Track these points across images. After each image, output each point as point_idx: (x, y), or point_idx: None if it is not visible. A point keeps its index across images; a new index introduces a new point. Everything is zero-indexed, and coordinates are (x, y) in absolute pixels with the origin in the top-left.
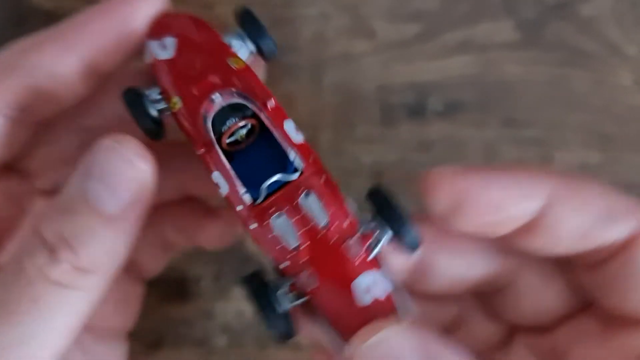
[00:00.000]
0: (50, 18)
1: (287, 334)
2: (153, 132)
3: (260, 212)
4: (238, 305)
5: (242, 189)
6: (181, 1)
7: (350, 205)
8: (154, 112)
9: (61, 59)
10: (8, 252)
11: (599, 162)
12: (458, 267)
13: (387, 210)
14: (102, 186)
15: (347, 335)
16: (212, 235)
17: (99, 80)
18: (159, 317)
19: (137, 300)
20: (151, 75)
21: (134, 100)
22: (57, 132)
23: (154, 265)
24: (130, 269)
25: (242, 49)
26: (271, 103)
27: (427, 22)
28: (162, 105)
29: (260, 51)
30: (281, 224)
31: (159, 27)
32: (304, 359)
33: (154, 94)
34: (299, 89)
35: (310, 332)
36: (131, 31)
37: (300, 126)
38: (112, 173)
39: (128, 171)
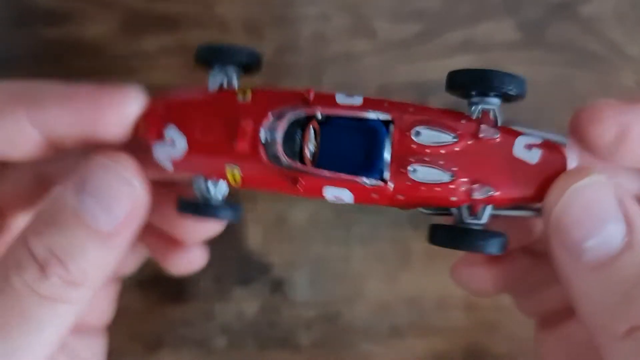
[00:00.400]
0: (51, 17)
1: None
2: (227, 217)
3: (399, 183)
4: (238, 306)
5: (363, 179)
6: (180, 2)
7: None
8: (220, 197)
9: (24, 131)
10: None
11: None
12: None
13: (478, 81)
14: (97, 204)
15: (536, 198)
16: (177, 264)
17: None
18: (159, 318)
19: (115, 297)
20: (183, 171)
21: (190, 206)
22: (12, 171)
23: (132, 266)
24: None
25: (231, 78)
26: (310, 95)
27: (428, 22)
28: (222, 187)
29: (247, 69)
30: (423, 172)
31: (152, 126)
32: (304, 359)
33: (203, 186)
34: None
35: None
36: (101, 132)
37: None
38: (108, 191)
39: (124, 190)
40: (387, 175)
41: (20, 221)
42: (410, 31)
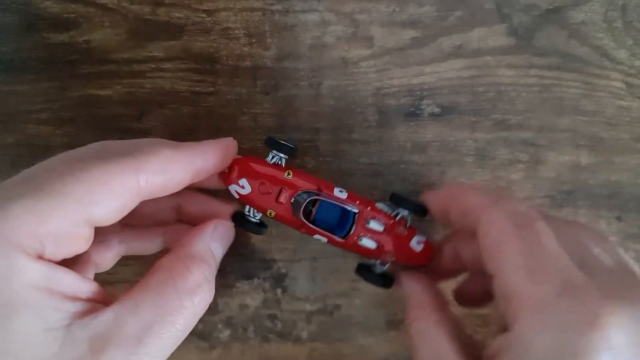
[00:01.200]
0: (58, 23)
1: (387, 284)
2: (259, 231)
3: (350, 241)
4: (241, 299)
5: (335, 236)
6: (185, 6)
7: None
8: (256, 219)
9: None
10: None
11: (590, 163)
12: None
13: (404, 202)
14: (220, 245)
15: (420, 262)
16: None
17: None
18: None
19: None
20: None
21: (240, 218)
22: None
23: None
24: None
25: (281, 159)
26: (322, 187)
27: (423, 28)
28: (259, 215)
29: (291, 153)
30: (365, 241)
31: (231, 176)
32: (304, 351)
33: (247, 210)
34: (299, 93)
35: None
36: (206, 175)
37: (300, 129)
38: (225, 238)
39: (230, 237)
40: (347, 237)
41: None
42: (405, 37)
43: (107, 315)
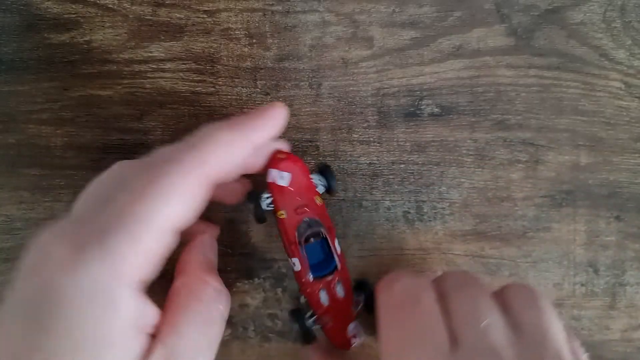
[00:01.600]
0: (59, 23)
1: (307, 339)
2: (260, 219)
3: (314, 285)
4: (241, 298)
5: (309, 272)
6: (185, 7)
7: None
8: (265, 207)
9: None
10: None
11: (589, 163)
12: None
13: (365, 287)
14: (214, 254)
15: (339, 346)
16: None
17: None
18: None
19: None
20: (267, 187)
21: (255, 196)
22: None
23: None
24: None
25: (320, 187)
26: (332, 230)
27: (423, 28)
28: (270, 208)
29: (329, 189)
30: (322, 295)
31: (281, 163)
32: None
33: (266, 197)
34: (300, 93)
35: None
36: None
37: (300, 129)
38: (214, 247)
39: (215, 247)
40: (318, 280)
41: None
42: (405, 37)
43: (161, 352)
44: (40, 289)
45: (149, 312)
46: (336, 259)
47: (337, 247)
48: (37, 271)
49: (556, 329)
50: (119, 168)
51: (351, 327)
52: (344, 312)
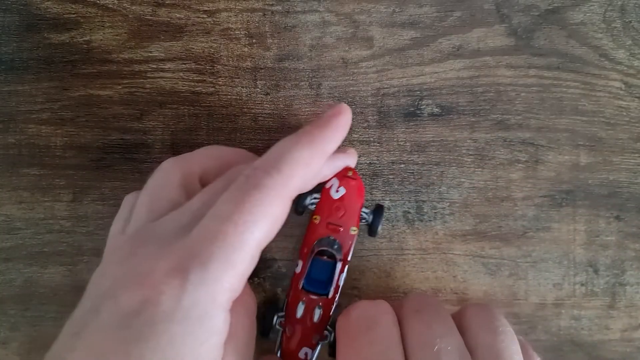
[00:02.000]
0: (59, 23)
1: (265, 333)
2: (298, 211)
3: (300, 294)
4: None
5: (304, 279)
6: (185, 7)
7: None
8: (307, 204)
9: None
10: None
11: (589, 163)
12: None
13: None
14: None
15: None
16: None
17: None
18: None
19: None
20: (320, 189)
21: (297, 201)
22: None
23: None
24: None
25: (363, 221)
26: (345, 262)
27: (423, 28)
28: (311, 208)
29: (371, 228)
30: (300, 307)
31: (345, 179)
32: None
33: (313, 197)
34: (300, 93)
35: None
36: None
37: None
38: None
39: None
40: (304, 287)
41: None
42: (405, 37)
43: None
44: (143, 303)
45: (227, 326)
46: (332, 288)
47: (340, 279)
48: (140, 285)
49: (512, 351)
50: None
51: (304, 351)
52: (306, 334)
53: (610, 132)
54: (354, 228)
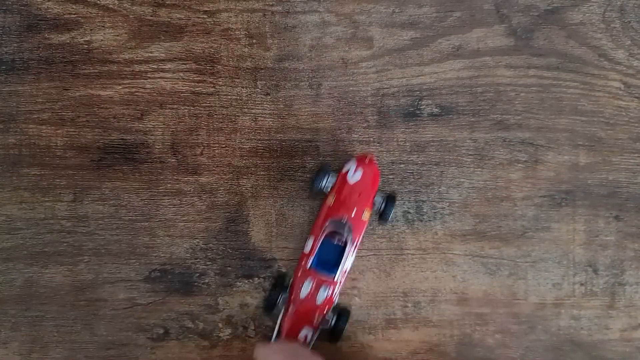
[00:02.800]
0: (60, 23)
1: (269, 309)
2: (313, 191)
3: (307, 272)
4: (241, 298)
5: (312, 258)
6: (186, 8)
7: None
8: (324, 184)
9: None
10: None
11: (589, 163)
12: None
13: (337, 327)
14: None
15: (285, 336)
16: None
17: None
18: (165, 312)
19: None
20: (337, 173)
21: (322, 173)
22: None
23: None
24: None
25: (375, 207)
26: (355, 246)
27: (422, 29)
28: (327, 188)
29: (382, 215)
30: (306, 285)
31: (363, 163)
32: None
33: (328, 179)
34: (300, 93)
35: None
36: None
37: (300, 129)
38: None
39: None
40: (311, 267)
41: None
42: (405, 37)
43: None
44: None
45: None
46: (339, 270)
47: (348, 263)
48: None
49: None
50: None
51: (304, 332)
52: (309, 314)
53: (610, 132)
54: (367, 212)
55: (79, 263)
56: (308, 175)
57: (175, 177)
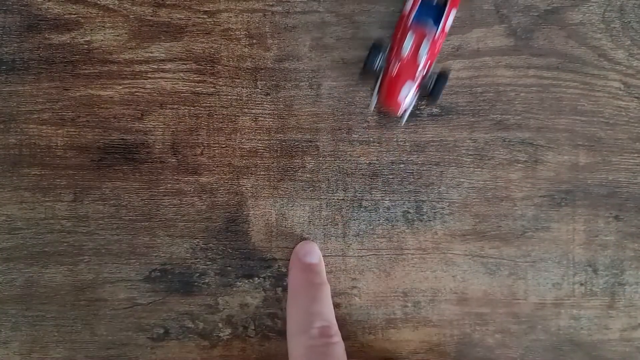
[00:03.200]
0: (60, 24)
1: (366, 71)
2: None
3: (408, 28)
4: (241, 298)
5: (413, 14)
6: (186, 8)
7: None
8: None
9: None
10: None
11: (588, 163)
12: None
13: (437, 85)
14: None
15: (387, 104)
16: None
17: None
18: (165, 311)
19: None
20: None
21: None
22: None
23: None
24: None
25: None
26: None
27: None
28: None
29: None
30: (408, 39)
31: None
32: None
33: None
34: (300, 94)
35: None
36: None
37: (300, 129)
38: None
39: None
40: (413, 22)
41: None
42: None
43: None
44: None
45: None
46: (441, 24)
47: (448, 22)
48: None
49: None
50: None
51: (406, 90)
52: (409, 71)
53: (610, 132)
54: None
55: (79, 263)
56: (308, 176)
57: (176, 177)
